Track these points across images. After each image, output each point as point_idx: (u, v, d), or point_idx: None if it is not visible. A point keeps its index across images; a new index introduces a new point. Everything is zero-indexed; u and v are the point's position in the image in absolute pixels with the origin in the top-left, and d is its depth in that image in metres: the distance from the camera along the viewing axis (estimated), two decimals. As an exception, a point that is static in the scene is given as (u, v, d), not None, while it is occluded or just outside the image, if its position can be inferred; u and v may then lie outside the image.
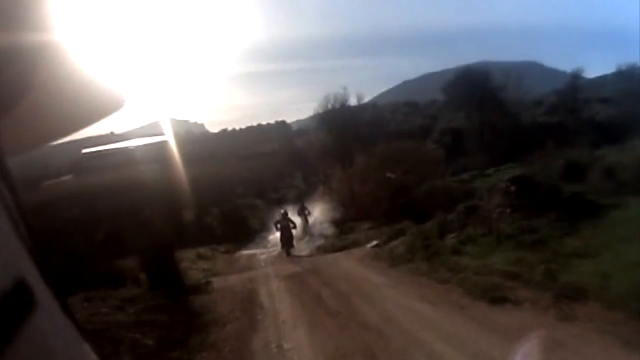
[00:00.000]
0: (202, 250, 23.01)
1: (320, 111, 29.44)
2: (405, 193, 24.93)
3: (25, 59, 0.70)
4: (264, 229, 31.36)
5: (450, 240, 13.91)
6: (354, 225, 23.87)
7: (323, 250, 21.43)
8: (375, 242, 17.69)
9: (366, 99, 31.06)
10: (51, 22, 0.76)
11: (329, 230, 26.80)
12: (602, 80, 43.00)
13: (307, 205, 29.60)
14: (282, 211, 23.12)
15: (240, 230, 29.27)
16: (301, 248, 23.17)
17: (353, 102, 29.66)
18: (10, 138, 0.72)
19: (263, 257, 22.18)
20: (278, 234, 22.26)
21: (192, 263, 19.58)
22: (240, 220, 30.75)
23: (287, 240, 20.66)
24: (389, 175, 25.22)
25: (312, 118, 30.55)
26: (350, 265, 14.76)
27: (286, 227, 20.91)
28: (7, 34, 0.66)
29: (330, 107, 29.03)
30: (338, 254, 18.01)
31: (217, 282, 14.76)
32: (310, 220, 28.30)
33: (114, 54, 0.99)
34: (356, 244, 19.45)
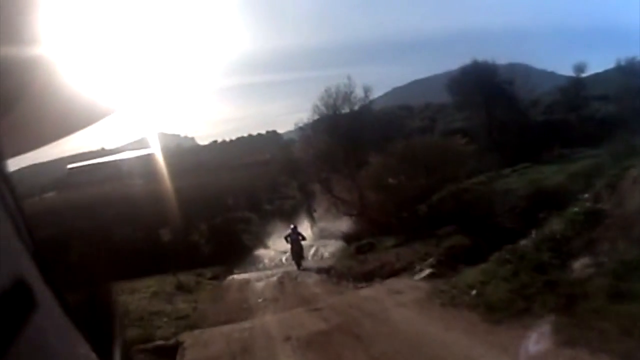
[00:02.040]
0: (183, 277, 16.62)
1: (320, 106, 22.98)
2: (429, 198, 18.70)
3: (22, 67, 0.69)
4: (258, 245, 24.77)
5: (584, 269, 7.55)
6: (373, 241, 17.34)
7: (337, 275, 14.90)
8: (427, 271, 11.18)
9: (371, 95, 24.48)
10: (46, 35, 0.74)
11: (341, 248, 20.29)
12: (599, 77, 38.29)
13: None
14: (292, 225, 19.97)
15: (231, 248, 22.71)
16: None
17: (360, 94, 23.27)
18: (10, 140, 0.68)
19: (260, 285, 15.70)
20: (273, 253, 21.75)
21: (164, 302, 13.18)
22: (231, 237, 24.16)
23: (297, 254, 18.46)
24: (397, 179, 18.90)
25: (310, 119, 24.14)
26: (410, 319, 8.35)
27: (296, 240, 18.70)
28: (5, 43, 0.64)
29: (332, 101, 22.74)
30: (369, 290, 11.43)
31: (191, 344, 9.31)
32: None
33: (104, 63, 0.96)
34: (389, 270, 12.97)
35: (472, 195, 19.39)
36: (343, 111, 23.48)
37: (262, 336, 9.04)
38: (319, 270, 16.48)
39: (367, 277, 13.35)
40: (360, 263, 15.02)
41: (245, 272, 20.29)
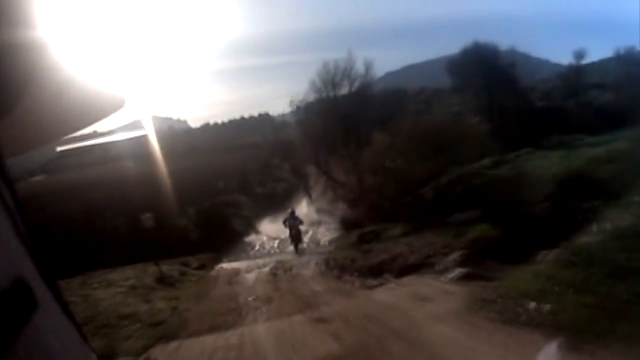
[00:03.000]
0: (168, 267, 14.28)
1: (318, 82, 20.31)
2: (437, 182, 16.45)
3: (24, 60, 0.65)
4: (249, 230, 22.30)
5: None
6: (377, 228, 14.94)
7: (339, 267, 12.53)
8: (458, 270, 8.78)
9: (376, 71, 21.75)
10: (47, 25, 0.69)
11: (340, 235, 17.92)
12: (594, 66, 36.53)
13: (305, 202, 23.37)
14: (290, 210, 19.13)
15: (220, 234, 20.22)
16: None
17: (360, 69, 20.58)
18: (10, 138, 0.67)
19: (251, 278, 13.36)
20: (265, 238, 20.65)
21: (140, 300, 10.84)
22: (221, 222, 21.67)
23: (296, 237, 17.89)
24: (403, 161, 16.49)
25: (307, 97, 21.43)
26: (456, 343, 5.91)
27: (294, 225, 17.95)
28: (5, 36, 0.61)
29: (330, 78, 20.12)
30: (385, 294, 8.93)
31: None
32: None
33: (108, 53, 0.86)
34: (402, 265, 10.62)
35: (485, 180, 17.18)
36: (343, 88, 20.87)
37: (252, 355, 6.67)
38: (317, 261, 14.12)
39: (376, 273, 11.00)
40: (365, 254, 12.64)
41: (235, 260, 17.91)
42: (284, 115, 35.61)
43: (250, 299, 10.69)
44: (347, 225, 17.95)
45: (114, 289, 12.13)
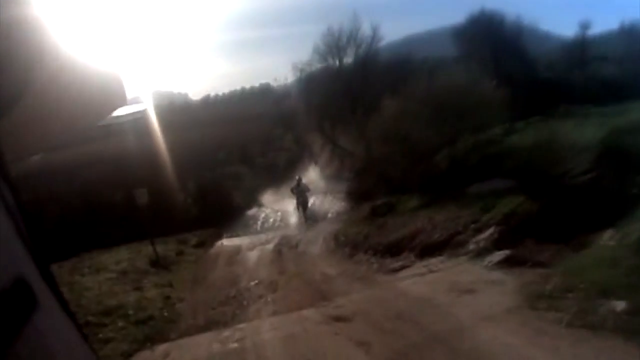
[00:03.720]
0: (164, 247, 12.86)
1: (322, 46, 18.35)
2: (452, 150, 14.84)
3: (25, 60, 0.64)
4: (251, 203, 20.61)
5: None
6: (391, 200, 13.25)
7: (350, 244, 10.93)
8: (499, 253, 7.15)
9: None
10: (48, 23, 0.69)
11: (348, 206, 16.30)
12: (600, 37, 35.72)
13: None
14: (297, 177, 18.61)
15: (220, 208, 18.57)
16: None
17: (366, 32, 18.58)
18: (11, 138, 0.65)
19: (253, 257, 11.82)
20: (267, 211, 19.45)
21: (130, 288, 9.31)
22: (221, 195, 19.98)
23: (303, 203, 17.13)
24: (416, 128, 14.72)
25: (310, 61, 19.44)
26: (527, 357, 4.21)
27: (301, 192, 17.28)
28: (6, 35, 0.60)
29: (335, 41, 18.17)
30: (414, 282, 7.22)
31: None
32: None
33: (110, 44, 0.86)
34: (424, 243, 9.01)
35: (502, 148, 15.52)
36: (348, 53, 18.85)
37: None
38: (325, 236, 12.54)
39: (394, 251, 9.41)
40: (379, 229, 11.02)
41: (236, 235, 16.33)
42: (285, 86, 33.57)
43: (252, 283, 9.15)
44: (356, 196, 16.27)
45: (103, 275, 10.61)
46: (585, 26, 31.07)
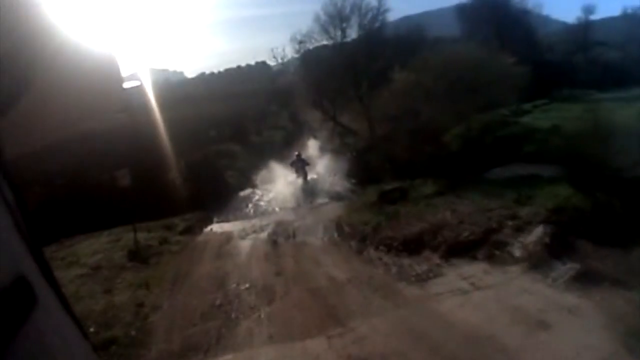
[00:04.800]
0: (145, 235, 11.45)
1: (323, 16, 16.12)
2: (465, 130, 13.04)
3: (25, 58, 0.62)
4: (244, 184, 18.58)
5: None
6: (403, 185, 11.24)
7: (357, 236, 9.03)
8: (567, 266, 5.31)
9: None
10: (50, 22, 0.65)
11: (349, 190, 14.35)
12: (602, 23, 33.97)
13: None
14: (296, 152, 17.80)
15: (211, 189, 16.57)
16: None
17: (372, 1, 16.35)
18: (11, 137, 0.63)
19: (245, 247, 9.97)
20: (261, 192, 17.44)
21: (99, 290, 7.39)
22: (213, 175, 17.94)
23: (303, 175, 16.53)
24: (426, 103, 12.82)
25: (310, 32, 17.19)
26: None
27: (301, 167, 16.70)
28: (7, 35, 0.58)
29: (337, 9, 15.96)
30: (459, 305, 5.26)
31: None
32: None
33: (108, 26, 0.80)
34: (450, 241, 7.13)
35: (518, 130, 13.70)
36: (352, 22, 16.60)
37: None
38: (326, 224, 10.67)
39: (412, 248, 7.55)
40: (390, 220, 9.11)
41: (228, 219, 14.39)
42: (282, 64, 31.57)
43: (243, 287, 7.25)
44: (358, 177, 14.28)
45: (74, 270, 8.79)
46: (588, 10, 30.80)
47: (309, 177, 16.81)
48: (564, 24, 33.53)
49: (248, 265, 8.52)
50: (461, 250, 6.92)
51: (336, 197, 14.36)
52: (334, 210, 12.00)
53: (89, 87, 0.74)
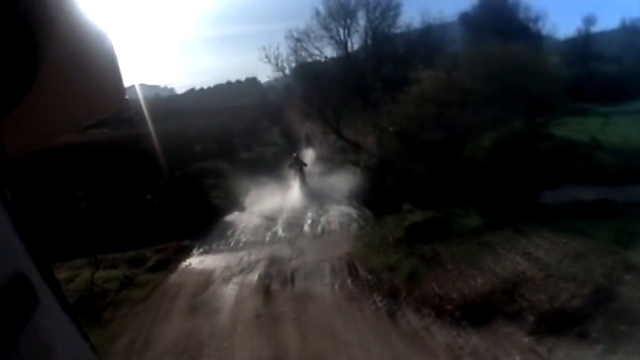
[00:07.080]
0: (106, 273, 8.19)
1: (323, 12, 13.58)
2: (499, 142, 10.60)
3: (26, 57, 0.61)
4: (230, 206, 15.71)
5: None
6: (438, 215, 8.50)
7: (380, 287, 6.31)
8: None
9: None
10: (50, 21, 0.63)
11: (357, 217, 11.50)
12: (600, 35, 33.28)
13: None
14: (294, 154, 16.86)
15: (193, 212, 13.72)
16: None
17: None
18: (11, 136, 0.63)
19: (228, 297, 7.37)
20: (249, 217, 14.63)
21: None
22: (196, 196, 15.15)
23: (301, 177, 15.75)
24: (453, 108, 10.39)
25: (309, 29, 14.61)
26: None
27: (299, 170, 15.96)
28: (8, 35, 0.58)
29: (340, 5, 13.38)
30: None
31: None
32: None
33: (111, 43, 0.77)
34: (549, 310, 4.40)
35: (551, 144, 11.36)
36: (358, 18, 14.01)
37: None
38: (334, 263, 7.97)
39: (475, 315, 4.88)
40: (429, 266, 6.41)
41: (210, 250, 11.59)
42: (276, 80, 29.25)
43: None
44: (367, 199, 11.44)
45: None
46: (589, 21, 29.22)
47: (306, 181, 15.99)
48: (557, 40, 32.80)
49: (230, 334, 5.77)
50: (560, 323, 4.28)
51: (338, 218, 11.66)
52: (340, 242, 9.34)
53: (90, 87, 0.69)
